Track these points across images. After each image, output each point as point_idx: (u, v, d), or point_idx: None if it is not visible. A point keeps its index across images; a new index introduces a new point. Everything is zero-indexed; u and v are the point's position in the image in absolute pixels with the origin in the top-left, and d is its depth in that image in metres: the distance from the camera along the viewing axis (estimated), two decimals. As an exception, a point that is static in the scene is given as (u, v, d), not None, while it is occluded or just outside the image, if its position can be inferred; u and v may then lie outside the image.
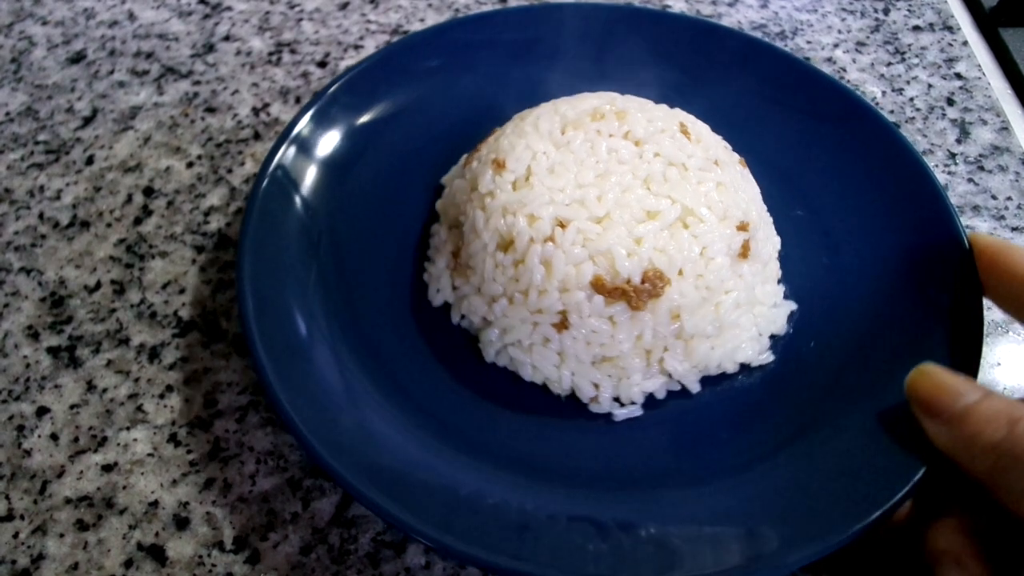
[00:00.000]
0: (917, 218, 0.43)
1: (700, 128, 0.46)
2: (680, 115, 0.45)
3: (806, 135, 0.49)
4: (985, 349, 0.44)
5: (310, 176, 0.47)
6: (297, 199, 0.46)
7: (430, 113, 0.51)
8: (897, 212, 0.44)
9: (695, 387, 0.41)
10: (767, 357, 0.42)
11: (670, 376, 0.41)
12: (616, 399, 0.41)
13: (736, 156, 0.46)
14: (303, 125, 0.47)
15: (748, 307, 0.42)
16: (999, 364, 0.44)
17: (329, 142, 0.48)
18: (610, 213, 0.40)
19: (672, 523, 0.35)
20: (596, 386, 0.40)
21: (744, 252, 0.42)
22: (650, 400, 0.41)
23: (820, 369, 0.41)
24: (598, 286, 0.39)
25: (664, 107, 0.46)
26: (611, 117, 0.43)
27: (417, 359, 0.42)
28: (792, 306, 0.44)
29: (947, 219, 0.42)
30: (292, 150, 0.46)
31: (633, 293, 0.39)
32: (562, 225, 0.39)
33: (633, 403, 0.41)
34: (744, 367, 0.42)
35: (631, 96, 0.46)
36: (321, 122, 0.48)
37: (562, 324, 0.40)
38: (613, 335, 0.39)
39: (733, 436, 0.39)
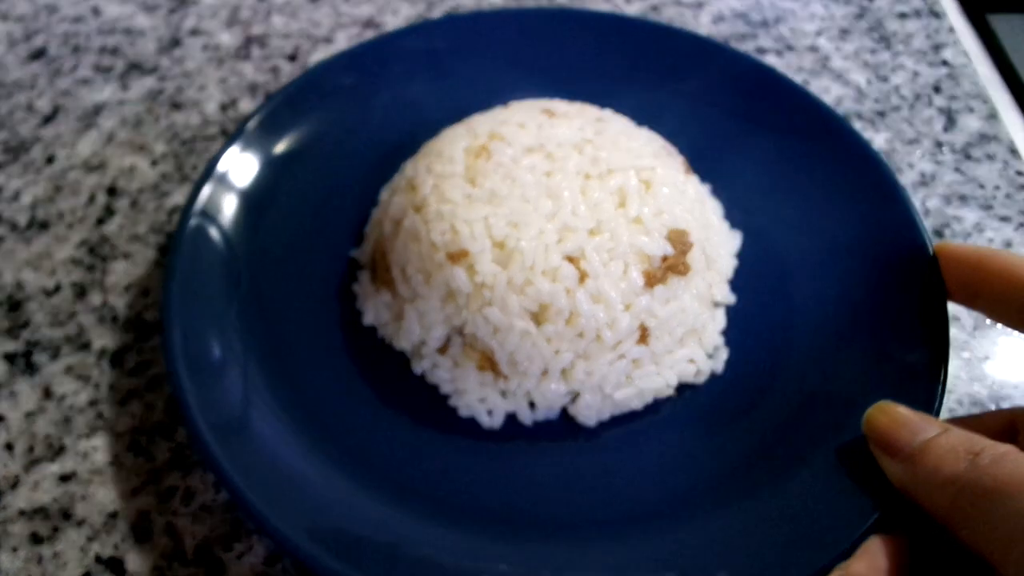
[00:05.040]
0: (866, 198, 0.43)
1: (557, 104, 0.45)
2: (537, 103, 0.45)
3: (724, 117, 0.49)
4: (973, 343, 0.44)
5: (232, 215, 0.43)
6: (220, 240, 0.42)
7: (349, 137, 0.48)
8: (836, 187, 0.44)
9: (732, 299, 0.42)
10: (739, 239, 0.44)
11: (721, 305, 0.42)
12: (708, 356, 0.41)
13: (590, 104, 0.45)
14: (224, 163, 0.44)
15: (713, 208, 0.45)
16: (988, 358, 0.43)
17: (251, 176, 0.45)
18: (597, 217, 0.38)
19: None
20: (692, 361, 0.40)
21: (687, 168, 0.44)
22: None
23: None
24: (651, 279, 0.38)
25: (501, 108, 0.45)
26: (493, 145, 0.41)
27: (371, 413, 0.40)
28: (717, 201, 0.46)
29: (903, 209, 0.41)
30: (214, 189, 0.43)
31: (676, 262, 0.39)
32: (577, 259, 0.37)
33: (717, 347, 0.41)
34: (737, 257, 0.44)
35: (474, 115, 0.45)
36: (244, 155, 0.45)
37: (643, 337, 0.38)
38: (684, 309, 0.39)
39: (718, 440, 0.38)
